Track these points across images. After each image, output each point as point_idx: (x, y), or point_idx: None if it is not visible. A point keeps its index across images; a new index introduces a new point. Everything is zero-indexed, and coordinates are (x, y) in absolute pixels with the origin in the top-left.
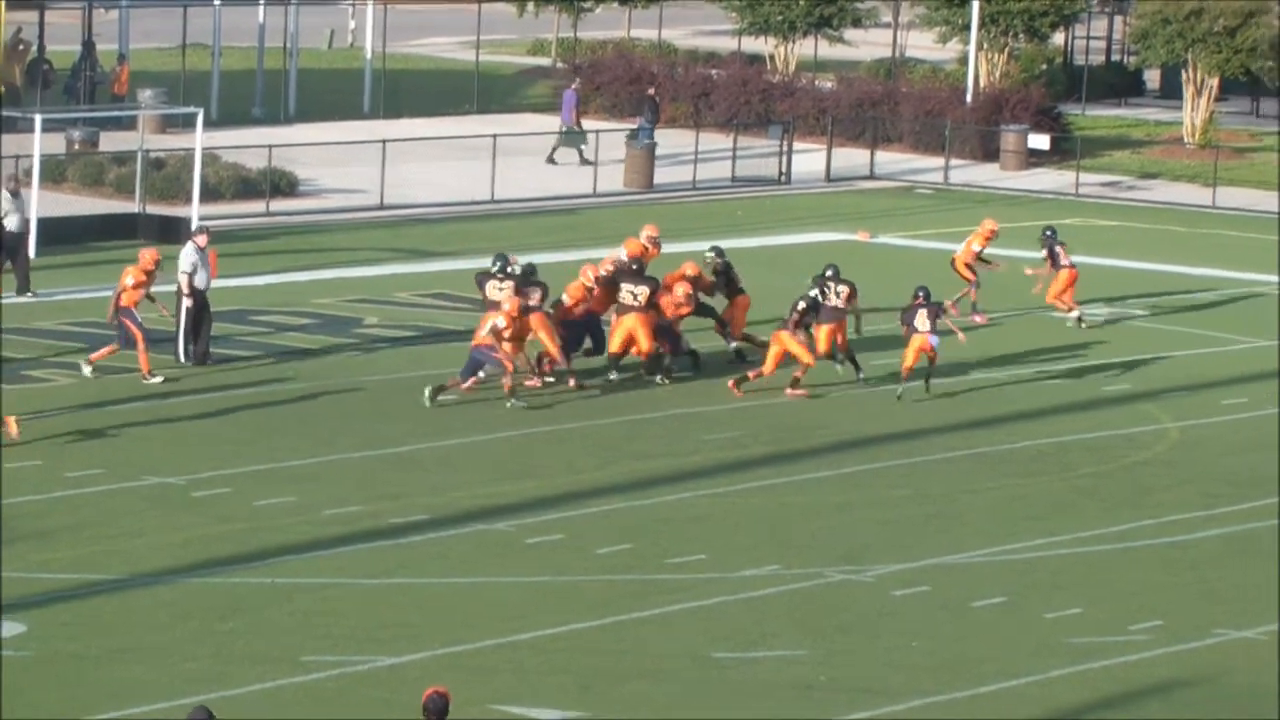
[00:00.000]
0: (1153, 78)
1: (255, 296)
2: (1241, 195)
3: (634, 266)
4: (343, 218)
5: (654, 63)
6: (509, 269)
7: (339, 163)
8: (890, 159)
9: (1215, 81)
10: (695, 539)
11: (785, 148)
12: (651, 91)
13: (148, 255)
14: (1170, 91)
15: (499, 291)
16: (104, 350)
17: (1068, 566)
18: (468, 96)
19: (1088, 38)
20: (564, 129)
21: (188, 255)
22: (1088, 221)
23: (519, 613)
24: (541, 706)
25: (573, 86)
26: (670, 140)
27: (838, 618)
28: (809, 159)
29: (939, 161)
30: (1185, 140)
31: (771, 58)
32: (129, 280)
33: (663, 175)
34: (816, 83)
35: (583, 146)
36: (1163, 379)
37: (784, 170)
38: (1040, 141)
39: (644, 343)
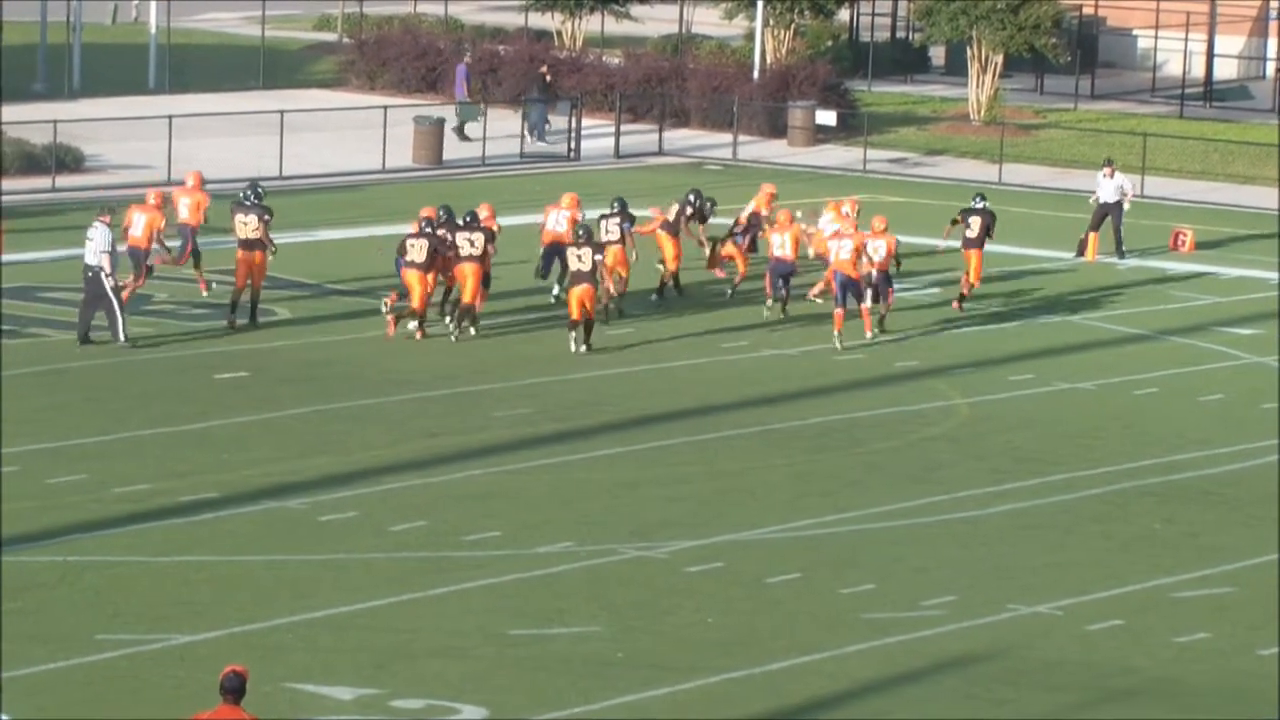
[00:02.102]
0: (938, 55)
1: (42, 273)
2: (1027, 172)
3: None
4: (130, 193)
5: (440, 38)
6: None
7: (125, 138)
8: (679, 135)
9: (1000, 58)
10: (489, 516)
11: (574, 124)
12: (544, 70)
13: (150, 194)
14: (955, 68)
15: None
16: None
17: (860, 542)
18: (253, 72)
19: (873, 14)
20: (459, 103)
21: (105, 234)
22: (875, 198)
23: (313, 590)
24: (336, 684)
25: (464, 60)
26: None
27: (632, 594)
28: (598, 138)
29: (727, 138)
30: (971, 117)
31: (558, 33)
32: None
33: (451, 151)
34: (604, 59)
35: (476, 120)
36: (951, 355)
37: (573, 147)
38: (827, 118)
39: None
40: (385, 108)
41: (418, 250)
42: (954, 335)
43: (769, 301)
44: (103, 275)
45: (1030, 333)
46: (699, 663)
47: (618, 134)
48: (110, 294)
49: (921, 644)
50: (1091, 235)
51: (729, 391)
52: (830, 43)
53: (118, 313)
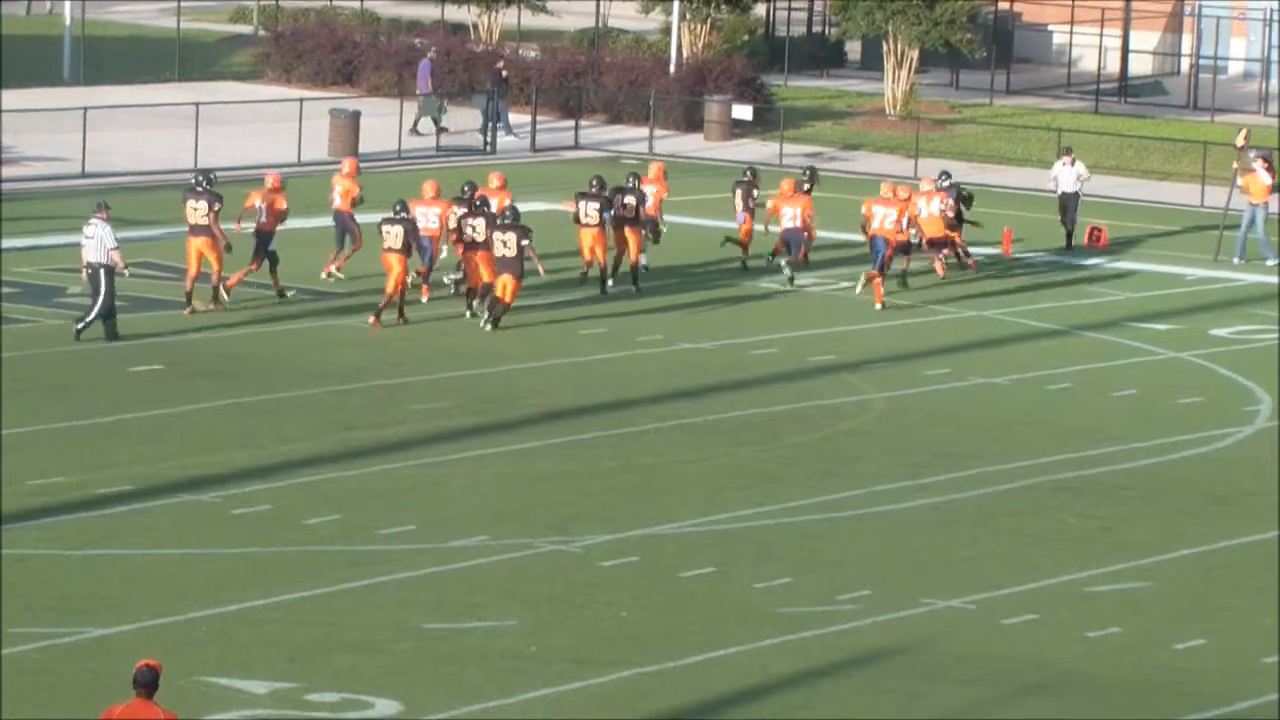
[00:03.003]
0: (854, 49)
1: None
2: (942, 167)
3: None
4: (44, 185)
5: (356, 30)
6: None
7: (40, 130)
8: (595, 129)
9: (915, 53)
10: (404, 510)
11: (489, 118)
12: (500, 65)
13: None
14: (871, 63)
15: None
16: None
17: (776, 536)
18: (169, 64)
19: (789, 8)
20: (421, 98)
21: (108, 231)
22: None
23: (226, 584)
24: (250, 678)
25: (429, 55)
26: (375, 109)
27: (547, 588)
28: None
29: (643, 132)
30: (887, 112)
31: (475, 27)
32: (259, 202)
33: (367, 144)
34: (520, 52)
35: (441, 116)
36: (866, 350)
37: (489, 140)
38: (744, 112)
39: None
40: (301, 100)
41: (393, 237)
42: (869, 330)
43: (784, 261)
44: (113, 272)
45: (945, 328)
46: (615, 657)
47: (534, 128)
48: (105, 290)
49: (837, 638)
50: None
51: (645, 385)
52: (746, 37)
53: (96, 310)
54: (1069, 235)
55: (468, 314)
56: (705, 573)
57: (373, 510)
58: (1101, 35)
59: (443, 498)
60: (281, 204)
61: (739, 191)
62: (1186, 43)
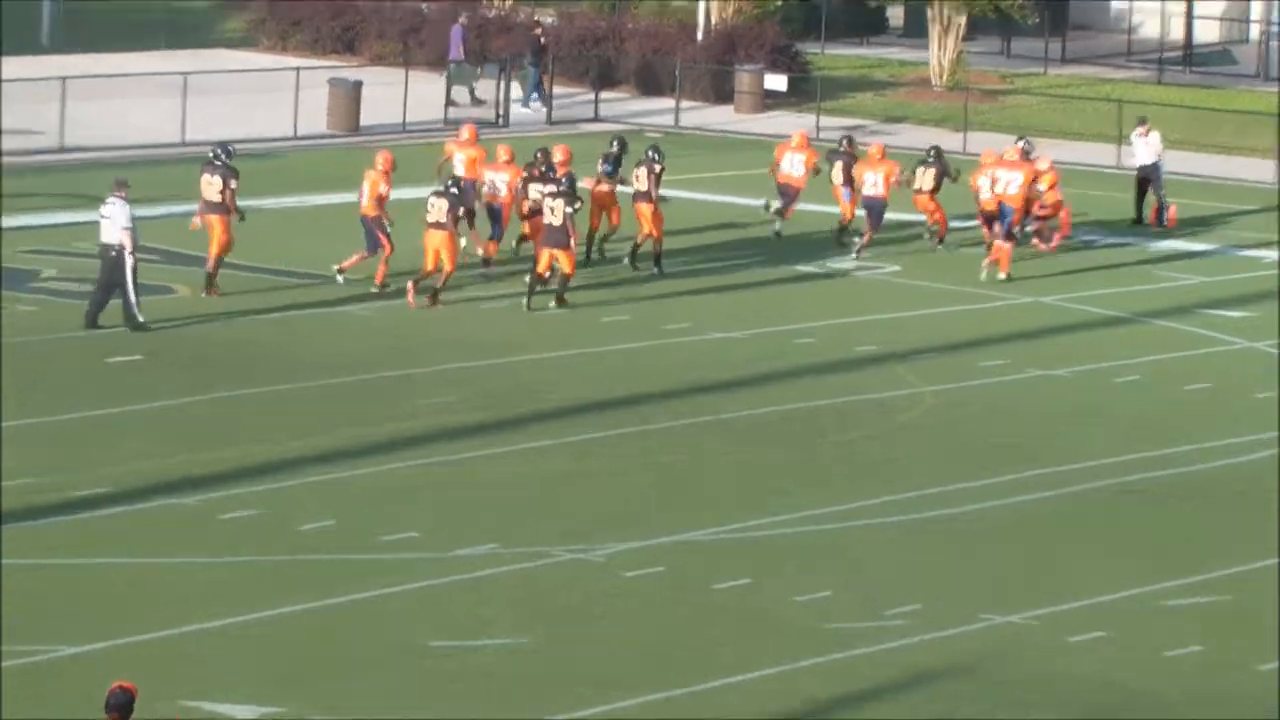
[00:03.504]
0: (896, 15)
1: None
2: (993, 140)
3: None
4: (18, 161)
5: None
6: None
7: (14, 100)
8: (616, 101)
9: (963, 19)
10: (407, 515)
11: (502, 88)
12: (538, 32)
13: (381, 158)
14: (915, 29)
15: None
16: (352, 258)
17: (817, 544)
18: (156, 30)
19: None
20: (452, 65)
21: (124, 210)
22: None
23: (210, 597)
24: (237, 702)
25: (460, 21)
26: (377, 78)
27: (564, 601)
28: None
29: (669, 103)
30: (932, 82)
31: None
32: (382, 188)
33: (370, 116)
34: (536, 18)
35: (475, 84)
36: (915, 338)
37: (501, 113)
38: (777, 82)
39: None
40: (298, 69)
41: (437, 210)
42: (918, 317)
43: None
44: (125, 254)
45: (1001, 315)
46: (637, 679)
47: (550, 100)
48: (129, 275)
49: (885, 657)
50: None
51: (672, 377)
52: (780, 2)
53: (132, 295)
54: (1139, 210)
55: (526, 302)
56: (740, 584)
57: (372, 515)
58: (1164, 0)
59: (449, 501)
60: (383, 188)
61: (838, 164)
62: (1256, 9)
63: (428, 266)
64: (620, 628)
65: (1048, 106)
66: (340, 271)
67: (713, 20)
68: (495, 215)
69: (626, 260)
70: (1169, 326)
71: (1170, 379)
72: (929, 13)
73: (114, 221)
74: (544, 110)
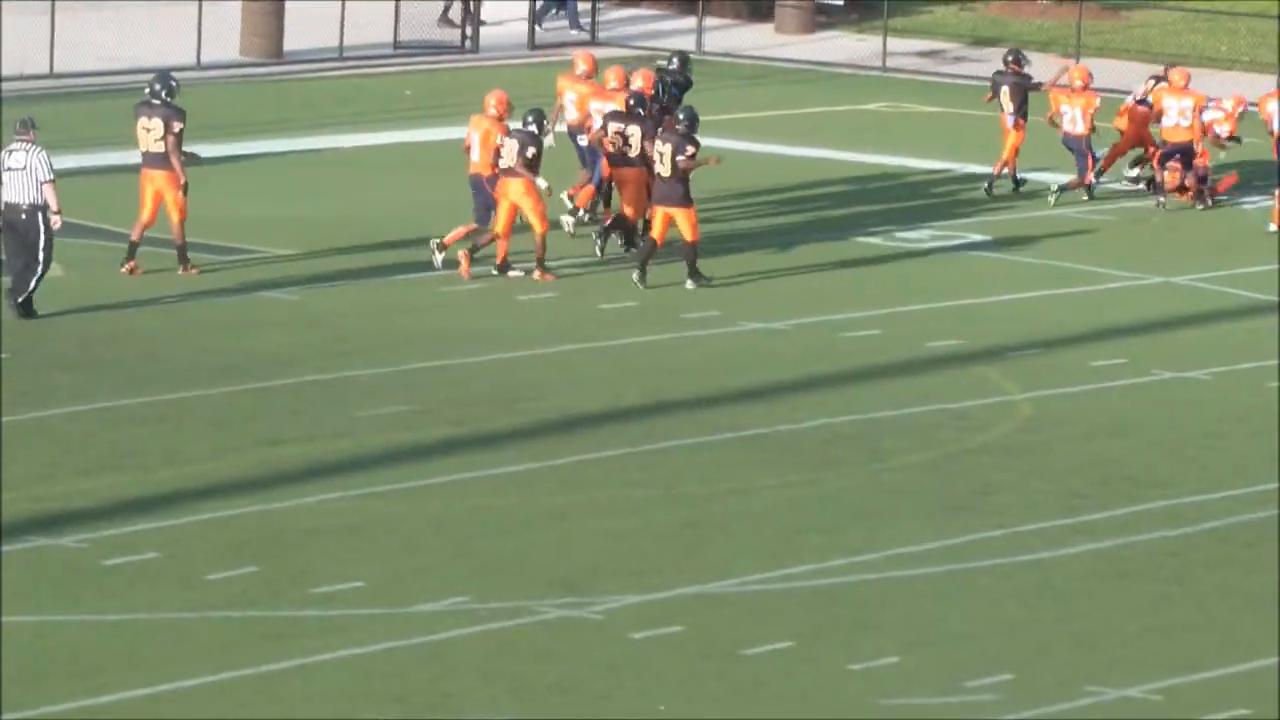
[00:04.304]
0: None
1: None
2: (1116, 70)
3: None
4: None
5: None
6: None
7: None
8: (622, 17)
9: None
10: (350, 559)
11: (471, 2)
12: None
13: (495, 99)
14: None
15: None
16: (458, 231)
17: (878, 597)
18: None
19: None
20: None
21: (42, 159)
22: (898, 106)
23: (96, 664)
24: None
25: None
26: None
27: (553, 671)
28: (505, 13)
29: (690, 22)
30: None
31: None
32: (499, 139)
33: (295, 40)
34: None
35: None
36: (1007, 332)
37: (469, 34)
38: None
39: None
40: None
41: (509, 152)
42: (1010, 302)
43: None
44: (46, 214)
45: (1120, 300)
46: None
47: (532, 17)
48: (43, 239)
49: None
50: None
51: (692, 381)
52: None
53: (40, 268)
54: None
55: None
56: (779, 649)
57: (305, 560)
58: None
59: (404, 542)
60: (497, 136)
61: (1007, 89)
62: None
63: (498, 228)
64: (626, 706)
65: (1186, 25)
66: (441, 248)
67: None
68: (594, 157)
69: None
70: None
71: None
72: None
73: (29, 174)
74: (578, 34)
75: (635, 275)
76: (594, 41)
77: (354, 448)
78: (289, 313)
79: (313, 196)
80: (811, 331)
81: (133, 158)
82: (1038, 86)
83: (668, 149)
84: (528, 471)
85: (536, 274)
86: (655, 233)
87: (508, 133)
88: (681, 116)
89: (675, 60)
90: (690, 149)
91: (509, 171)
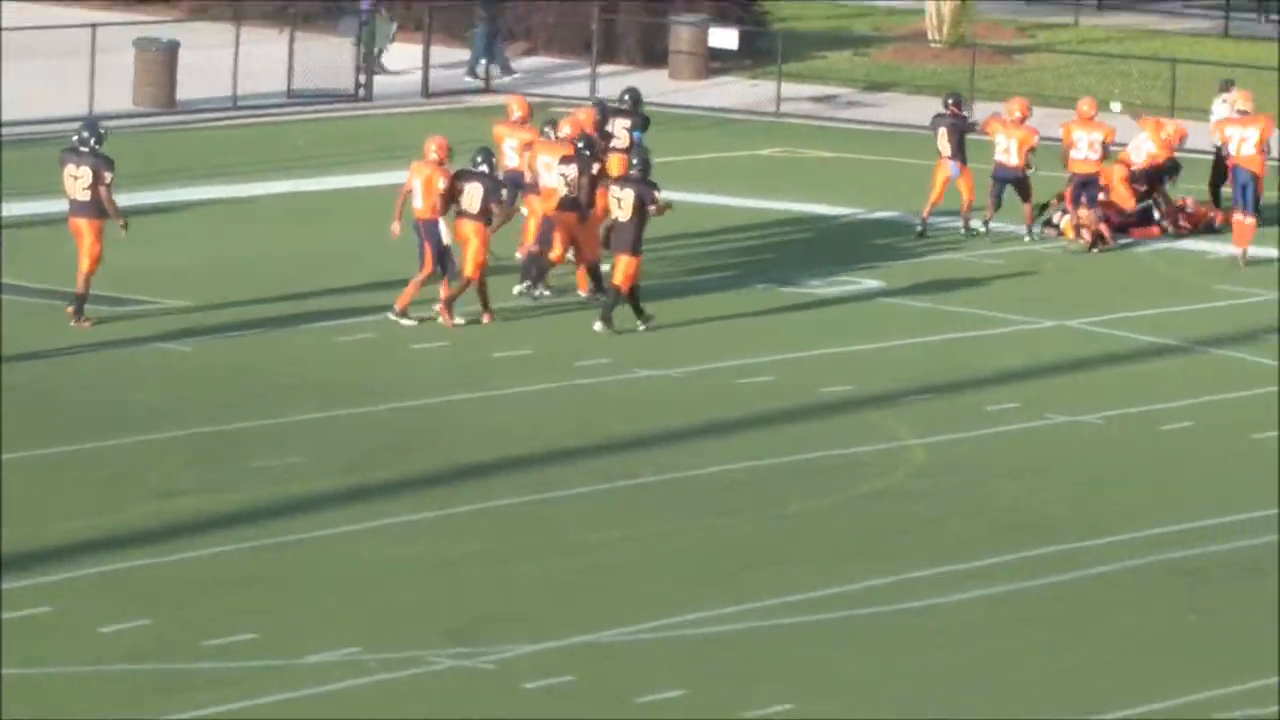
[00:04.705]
0: None
1: None
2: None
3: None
4: None
5: None
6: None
7: None
8: (516, 64)
9: None
10: (243, 611)
11: (364, 50)
12: None
13: (436, 144)
14: None
15: None
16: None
17: (772, 644)
18: None
19: None
20: (363, 17)
21: None
22: (792, 152)
23: None
24: None
25: None
26: (198, 38)
27: None
28: (400, 62)
29: (583, 67)
30: (930, 37)
31: None
32: (442, 183)
33: (189, 88)
34: None
35: (389, 44)
36: (901, 377)
37: (362, 82)
38: (726, 39)
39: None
40: (94, 26)
41: (470, 198)
42: (905, 348)
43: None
44: None
45: (1012, 344)
46: None
47: (426, 64)
48: None
49: None
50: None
51: (585, 430)
52: None
53: None
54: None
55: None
56: (672, 697)
57: (198, 612)
58: None
59: (297, 594)
60: (440, 180)
61: (942, 130)
62: None
63: (467, 271)
64: None
65: (1079, 68)
66: (401, 314)
67: None
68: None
69: (523, 288)
70: (1232, 357)
71: (1233, 427)
72: None
73: None
74: (504, 77)
75: (599, 325)
76: (488, 89)
77: (247, 499)
78: (182, 364)
79: (207, 246)
80: (706, 378)
81: (22, 209)
82: (974, 127)
83: (628, 194)
84: (421, 521)
85: (439, 310)
86: (617, 279)
87: (451, 176)
88: (635, 161)
89: (628, 98)
90: (658, 196)
91: (466, 214)
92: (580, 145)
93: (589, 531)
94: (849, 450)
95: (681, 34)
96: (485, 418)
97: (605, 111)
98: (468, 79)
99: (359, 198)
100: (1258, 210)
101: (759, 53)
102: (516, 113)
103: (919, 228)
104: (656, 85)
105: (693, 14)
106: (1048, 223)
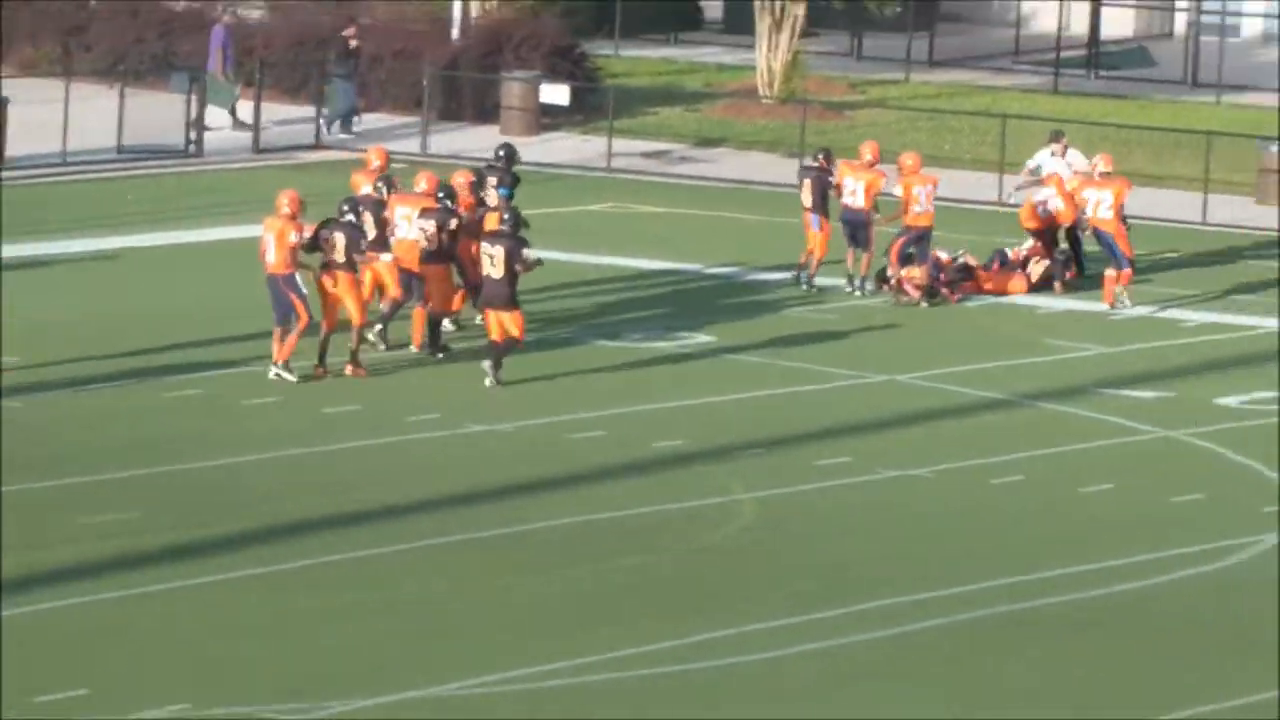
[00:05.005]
0: (713, 6)
1: None
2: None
3: None
4: None
5: None
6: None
7: None
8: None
9: (801, 10)
10: (74, 666)
11: (195, 105)
12: (350, 33)
13: (288, 198)
14: (738, 24)
15: None
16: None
17: (608, 699)
18: None
19: None
20: (209, 77)
21: None
22: (623, 208)
23: None
24: None
25: (222, 20)
26: (29, 93)
27: None
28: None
29: (414, 122)
30: (761, 93)
31: None
32: (293, 237)
33: (18, 145)
34: (239, 12)
35: (236, 104)
36: (733, 431)
37: (194, 138)
38: (557, 95)
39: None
40: None
41: (336, 247)
42: (738, 401)
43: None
44: None
45: (843, 398)
46: None
47: (257, 120)
48: None
49: None
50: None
51: (417, 485)
52: None
53: None
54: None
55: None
56: None
57: (24, 668)
58: None
59: (129, 649)
60: (292, 234)
61: (807, 182)
62: None
63: (329, 324)
64: None
65: (910, 124)
66: (286, 369)
67: (473, 12)
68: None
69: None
70: (1061, 411)
71: (1062, 480)
72: (756, 2)
73: None
74: (340, 134)
75: (489, 381)
76: (318, 144)
77: (78, 554)
78: (9, 421)
79: (35, 303)
80: (538, 433)
81: None
82: (833, 185)
83: (499, 251)
84: (254, 577)
85: (349, 369)
86: (494, 334)
87: (316, 227)
88: (507, 217)
89: (502, 154)
90: (528, 254)
91: (335, 265)
92: (440, 195)
93: (423, 586)
94: (682, 505)
95: (513, 90)
96: (317, 474)
97: (480, 172)
98: (327, 134)
99: (190, 253)
100: (1121, 263)
101: (590, 108)
102: (375, 162)
103: (804, 285)
104: (488, 141)
105: (524, 70)
106: (881, 277)
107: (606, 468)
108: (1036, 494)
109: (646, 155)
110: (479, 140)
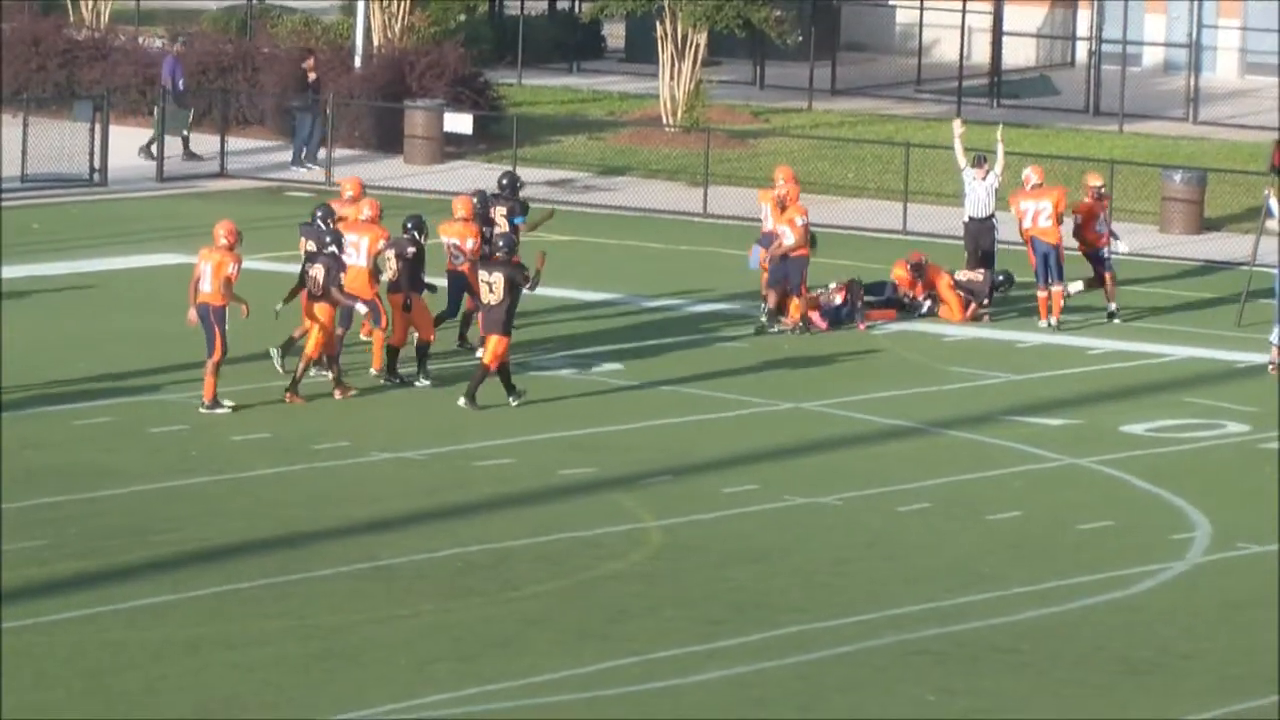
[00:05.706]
0: (616, 34)
1: None
2: (741, 198)
3: None
4: None
5: None
6: None
7: None
8: (249, 148)
9: (703, 38)
10: None
11: (98, 134)
12: (309, 65)
13: (224, 229)
14: (641, 53)
15: None
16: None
17: None
18: None
19: None
20: (164, 107)
21: None
22: (528, 236)
23: None
24: None
25: (173, 51)
26: None
27: None
28: (131, 148)
29: (319, 154)
30: (664, 121)
31: (74, 5)
32: (230, 268)
33: None
34: (141, 41)
35: (186, 133)
36: (639, 459)
37: (98, 166)
38: (460, 123)
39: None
40: None
41: (315, 280)
42: (644, 429)
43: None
44: None
45: (750, 426)
46: None
47: (161, 149)
48: None
49: None
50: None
51: (326, 513)
52: (463, 17)
53: None
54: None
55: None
56: None
57: None
58: (964, 13)
59: (36, 677)
60: (230, 265)
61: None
62: (1084, 23)
63: (308, 349)
64: None
65: (813, 151)
66: (215, 403)
67: (375, 41)
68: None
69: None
70: (968, 439)
71: (969, 507)
72: (659, 30)
73: None
74: (302, 170)
75: (463, 401)
76: (223, 173)
77: None
78: None
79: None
80: (444, 460)
81: None
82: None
83: (498, 279)
84: (162, 604)
85: (288, 398)
86: (486, 358)
87: (240, 261)
88: (501, 243)
89: (506, 182)
90: (527, 273)
91: (314, 296)
92: (409, 225)
93: (329, 614)
94: (588, 532)
95: (416, 119)
96: (225, 501)
97: (485, 199)
98: (294, 168)
99: (96, 281)
100: (1061, 277)
101: (494, 137)
102: (348, 192)
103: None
104: (391, 170)
105: (427, 98)
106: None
107: (512, 495)
108: (943, 521)
109: (551, 184)
110: (382, 169)
